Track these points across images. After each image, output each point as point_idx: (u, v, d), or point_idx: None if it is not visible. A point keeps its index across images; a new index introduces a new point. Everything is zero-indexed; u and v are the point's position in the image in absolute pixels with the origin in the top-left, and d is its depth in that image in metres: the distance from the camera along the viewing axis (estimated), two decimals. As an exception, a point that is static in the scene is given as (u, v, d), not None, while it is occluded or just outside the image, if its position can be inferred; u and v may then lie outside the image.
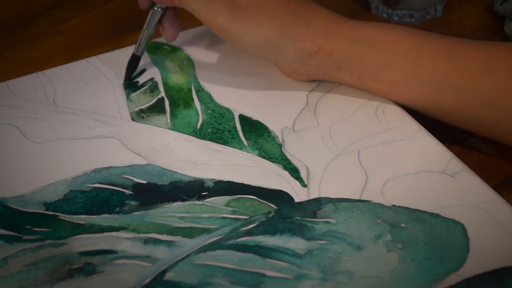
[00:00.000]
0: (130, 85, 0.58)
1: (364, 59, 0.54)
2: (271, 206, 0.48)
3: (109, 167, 0.51)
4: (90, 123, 0.55)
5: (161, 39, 0.62)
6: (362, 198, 0.48)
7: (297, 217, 0.47)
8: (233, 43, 0.55)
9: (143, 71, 0.60)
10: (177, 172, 0.51)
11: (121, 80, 0.59)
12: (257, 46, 0.54)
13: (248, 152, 0.52)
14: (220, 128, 0.54)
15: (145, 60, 0.61)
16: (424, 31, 0.54)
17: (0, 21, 0.68)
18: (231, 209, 0.48)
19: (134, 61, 0.59)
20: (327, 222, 0.47)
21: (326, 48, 0.54)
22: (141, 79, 0.59)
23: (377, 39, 0.53)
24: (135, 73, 0.59)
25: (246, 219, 0.47)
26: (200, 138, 0.54)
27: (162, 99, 0.57)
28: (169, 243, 0.46)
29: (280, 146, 0.53)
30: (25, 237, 0.46)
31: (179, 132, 0.54)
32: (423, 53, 0.52)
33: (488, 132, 0.53)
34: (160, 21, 0.58)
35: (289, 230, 0.46)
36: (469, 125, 0.53)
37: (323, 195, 0.49)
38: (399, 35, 0.53)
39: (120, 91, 0.58)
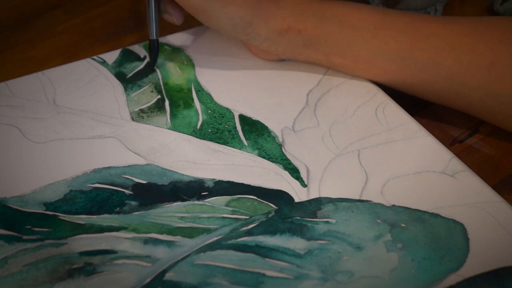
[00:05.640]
0: (130, 84, 0.58)
1: (331, 36, 0.55)
2: (271, 206, 0.48)
3: (109, 167, 0.51)
4: (90, 123, 0.55)
5: (162, 40, 0.62)
6: (362, 198, 0.48)
7: (297, 217, 0.47)
8: (209, 22, 0.56)
9: (143, 71, 0.60)
10: (177, 172, 0.51)
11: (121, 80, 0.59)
12: (232, 25, 0.56)
13: (248, 152, 0.52)
14: (220, 128, 0.54)
15: (145, 60, 0.61)
16: (388, 9, 0.56)
17: (0, 21, 0.68)
18: (231, 209, 0.48)
19: (153, 45, 0.59)
20: (327, 222, 0.47)
21: (295, 26, 0.56)
22: (141, 79, 0.59)
23: (343, 16, 0.55)
24: (135, 73, 0.59)
25: (246, 219, 0.47)
26: (200, 138, 0.54)
27: (162, 99, 0.57)
28: (169, 243, 0.46)
29: (280, 146, 0.53)
30: (25, 237, 0.46)
31: (179, 132, 0.54)
32: (386, 29, 0.54)
33: (451, 104, 0.54)
34: (159, 9, 0.58)
35: (289, 230, 0.46)
36: (433, 98, 0.55)
37: (323, 195, 0.49)
38: (364, 12, 0.55)
39: (120, 91, 0.58)
